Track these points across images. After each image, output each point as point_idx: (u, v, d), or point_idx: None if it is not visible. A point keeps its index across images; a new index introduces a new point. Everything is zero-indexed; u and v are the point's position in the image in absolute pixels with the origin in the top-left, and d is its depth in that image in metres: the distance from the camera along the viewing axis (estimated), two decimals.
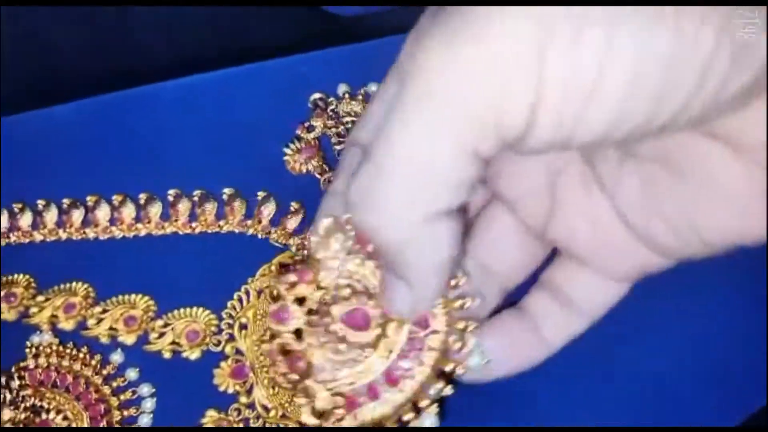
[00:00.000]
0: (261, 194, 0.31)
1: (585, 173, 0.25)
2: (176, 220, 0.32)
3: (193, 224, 0.32)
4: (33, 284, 0.32)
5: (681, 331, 0.28)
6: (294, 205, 0.31)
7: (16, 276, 0.32)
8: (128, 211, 0.32)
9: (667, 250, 0.24)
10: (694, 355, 0.28)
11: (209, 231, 0.32)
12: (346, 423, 0.25)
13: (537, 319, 0.27)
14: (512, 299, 0.28)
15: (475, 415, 0.27)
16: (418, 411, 0.25)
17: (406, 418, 0.24)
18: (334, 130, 0.32)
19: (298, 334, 0.26)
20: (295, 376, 0.25)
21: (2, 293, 0.32)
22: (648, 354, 0.28)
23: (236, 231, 0.32)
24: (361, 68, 0.32)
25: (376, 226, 0.22)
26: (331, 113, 0.32)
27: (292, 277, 0.26)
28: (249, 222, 0.31)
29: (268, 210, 0.31)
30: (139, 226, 0.32)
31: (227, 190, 0.32)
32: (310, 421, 0.25)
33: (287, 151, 0.32)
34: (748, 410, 0.27)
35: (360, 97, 0.32)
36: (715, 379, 0.28)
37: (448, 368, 0.25)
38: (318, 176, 0.31)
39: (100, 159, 0.33)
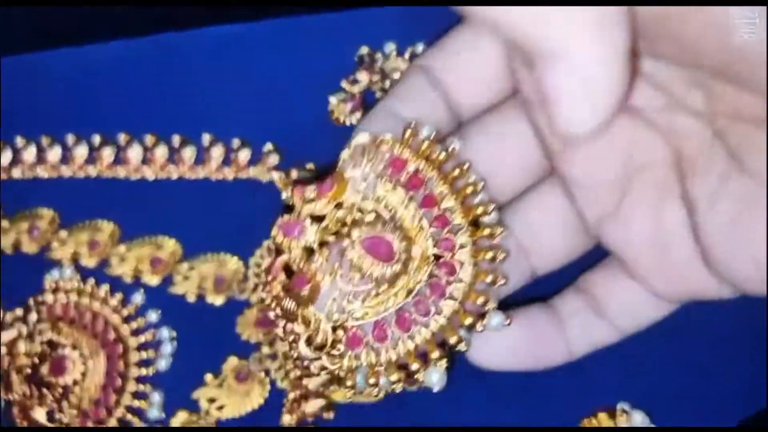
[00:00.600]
0: (310, 165, 0.31)
1: (669, 178, 0.23)
2: (209, 165, 0.31)
3: (226, 170, 0.31)
4: (57, 220, 0.31)
5: (680, 327, 0.26)
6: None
7: (40, 210, 0.31)
8: (161, 153, 0.31)
9: (743, 285, 0.22)
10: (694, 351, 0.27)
11: (241, 177, 0.31)
12: (346, 361, 0.23)
13: (565, 320, 0.25)
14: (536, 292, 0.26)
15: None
16: (426, 362, 0.23)
17: (412, 368, 0.23)
18: (379, 85, 0.31)
19: (308, 253, 0.23)
20: (292, 303, 0.23)
21: (26, 226, 0.31)
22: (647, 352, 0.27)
23: (267, 180, 0.31)
24: (410, 28, 0.32)
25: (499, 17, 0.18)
26: (377, 69, 0.31)
27: (310, 191, 0.23)
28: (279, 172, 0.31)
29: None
30: (171, 168, 0.31)
31: (269, 145, 0.31)
32: (306, 352, 0.23)
33: (332, 100, 0.31)
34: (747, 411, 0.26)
35: (407, 56, 0.32)
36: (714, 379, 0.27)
37: (466, 322, 0.23)
38: None
39: (137, 99, 0.32)
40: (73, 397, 0.28)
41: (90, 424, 0.28)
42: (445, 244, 0.24)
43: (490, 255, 0.24)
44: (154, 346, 0.29)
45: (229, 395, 0.28)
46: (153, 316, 0.29)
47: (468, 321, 0.23)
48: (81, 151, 0.32)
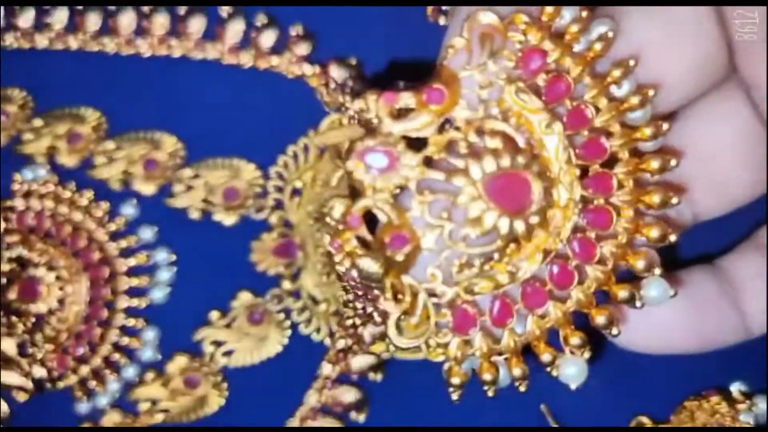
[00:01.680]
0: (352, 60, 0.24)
1: None
2: (222, 44, 0.24)
3: (245, 53, 0.24)
4: (30, 104, 0.25)
5: None
6: None
7: (10, 90, 0.25)
8: (161, 22, 0.25)
9: None
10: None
11: (264, 67, 0.24)
12: (453, 349, 0.17)
13: (739, 286, 0.20)
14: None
15: None
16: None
17: (543, 358, 0.17)
18: None
19: (396, 196, 0.17)
20: (378, 268, 0.16)
21: None
22: None
23: (293, 75, 0.24)
24: None
25: None
26: None
27: (405, 98, 0.16)
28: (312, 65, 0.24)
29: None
30: (173, 42, 0.25)
31: (297, 27, 0.24)
32: (398, 339, 0.17)
33: None
34: None
35: None
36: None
37: (621, 295, 0.17)
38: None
39: None
40: (49, 328, 0.24)
41: (70, 362, 0.23)
42: (596, 184, 0.17)
43: (658, 198, 0.17)
44: (149, 271, 0.24)
45: (239, 339, 0.24)
46: (147, 233, 0.24)
47: (623, 294, 0.17)
48: (60, 16, 0.25)
